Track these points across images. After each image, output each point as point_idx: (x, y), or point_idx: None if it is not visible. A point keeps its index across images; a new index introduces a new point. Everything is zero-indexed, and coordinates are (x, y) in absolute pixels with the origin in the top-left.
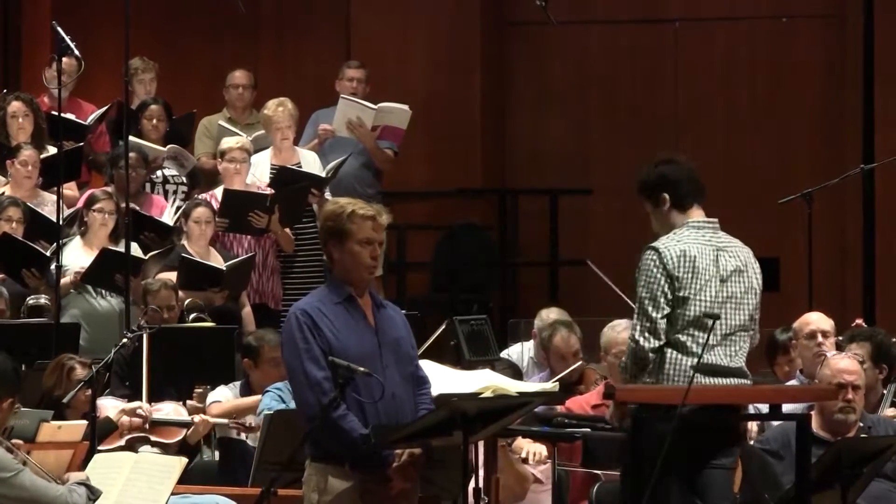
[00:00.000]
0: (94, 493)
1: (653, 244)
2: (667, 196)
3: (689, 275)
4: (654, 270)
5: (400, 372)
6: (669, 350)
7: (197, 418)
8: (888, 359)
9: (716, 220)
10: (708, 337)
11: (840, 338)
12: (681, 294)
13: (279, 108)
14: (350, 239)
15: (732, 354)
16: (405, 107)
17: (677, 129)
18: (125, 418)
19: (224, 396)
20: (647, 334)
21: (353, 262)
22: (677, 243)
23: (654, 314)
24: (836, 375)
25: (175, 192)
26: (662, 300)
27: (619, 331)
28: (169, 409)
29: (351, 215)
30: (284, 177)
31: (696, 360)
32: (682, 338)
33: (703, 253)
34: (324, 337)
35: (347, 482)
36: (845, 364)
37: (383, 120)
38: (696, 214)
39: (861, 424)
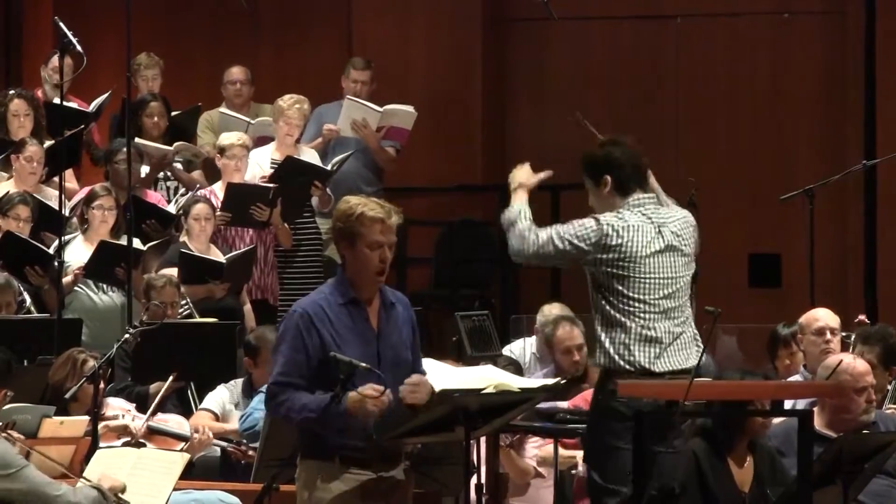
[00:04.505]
0: (106, 500)
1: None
2: (609, 179)
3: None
4: (590, 234)
5: (396, 378)
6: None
7: (198, 436)
8: None
9: (653, 195)
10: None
11: (845, 334)
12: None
13: (295, 105)
14: (359, 241)
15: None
16: (410, 108)
17: (678, 125)
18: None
19: (220, 397)
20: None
21: (361, 265)
22: (619, 219)
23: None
24: (858, 380)
25: (171, 189)
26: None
27: None
28: (172, 422)
29: (360, 217)
30: (289, 167)
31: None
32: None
33: (644, 229)
34: (323, 340)
35: (338, 478)
36: (864, 367)
37: (388, 121)
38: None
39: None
